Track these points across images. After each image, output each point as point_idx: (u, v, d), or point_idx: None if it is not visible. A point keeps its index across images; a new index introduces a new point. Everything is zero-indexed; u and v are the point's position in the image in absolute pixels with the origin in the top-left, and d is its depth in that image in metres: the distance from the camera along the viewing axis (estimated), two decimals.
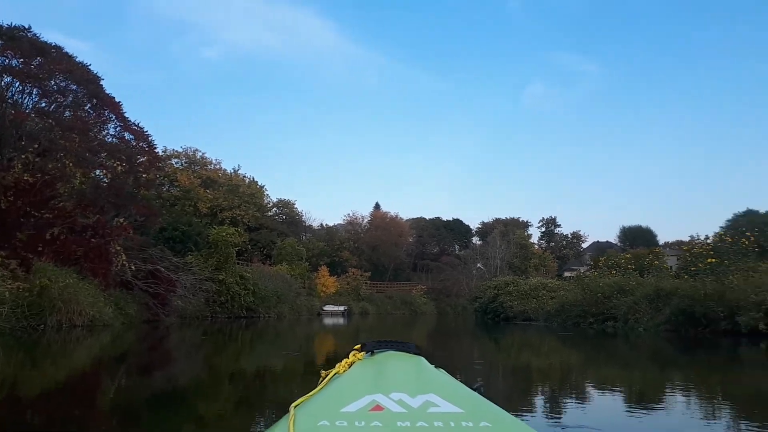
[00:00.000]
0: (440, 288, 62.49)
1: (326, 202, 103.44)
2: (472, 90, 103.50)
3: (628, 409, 5.41)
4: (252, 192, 47.43)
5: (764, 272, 15.35)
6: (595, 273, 24.43)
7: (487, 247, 49.99)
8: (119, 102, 18.65)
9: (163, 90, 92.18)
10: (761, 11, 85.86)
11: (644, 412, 5.18)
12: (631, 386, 7.28)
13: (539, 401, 5.81)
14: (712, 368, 10.08)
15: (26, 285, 14.12)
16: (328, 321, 35.07)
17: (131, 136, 18.78)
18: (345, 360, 1.72)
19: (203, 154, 46.50)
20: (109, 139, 18.38)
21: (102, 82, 19.37)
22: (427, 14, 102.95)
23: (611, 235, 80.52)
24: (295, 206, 58.31)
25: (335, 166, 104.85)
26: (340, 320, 36.93)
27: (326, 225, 65.19)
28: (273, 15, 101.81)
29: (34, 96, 16.29)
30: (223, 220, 41.97)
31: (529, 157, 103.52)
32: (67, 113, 16.93)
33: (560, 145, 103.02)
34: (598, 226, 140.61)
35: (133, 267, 18.58)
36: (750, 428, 4.49)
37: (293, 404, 1.28)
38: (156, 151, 20.29)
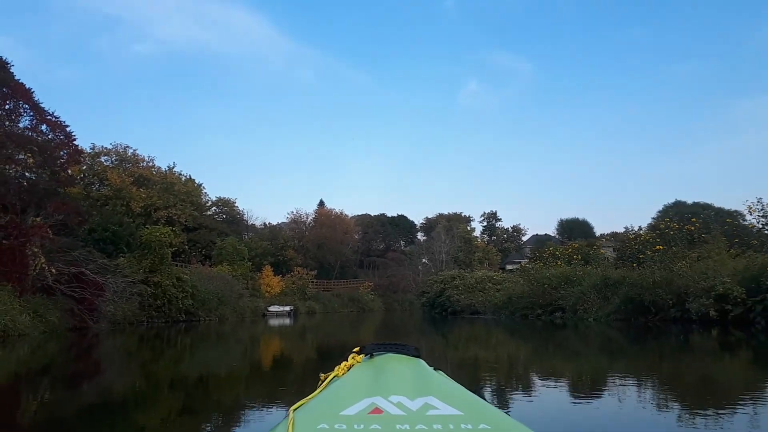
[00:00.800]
0: (387, 284, 62.00)
1: (269, 200, 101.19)
2: (410, 88, 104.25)
3: (578, 402, 5.10)
4: (188, 190, 45.34)
5: (711, 258, 15.39)
6: (541, 264, 24.34)
7: (432, 242, 49.74)
8: (31, 90, 16.89)
9: (91, 87, 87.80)
10: (682, 12, 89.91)
11: (594, 403, 4.93)
12: (581, 377, 7.05)
13: (487, 396, 5.41)
14: (664, 356, 9.80)
15: None
16: (274, 322, 33.87)
17: (46, 128, 16.98)
18: (344, 363, 1.68)
19: (135, 150, 44.10)
20: (24, 133, 16.53)
21: (12, 69, 17.53)
22: (363, 11, 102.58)
23: (550, 228, 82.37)
24: (236, 205, 56.46)
25: (276, 164, 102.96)
26: (286, 321, 35.81)
27: (269, 224, 63.53)
28: (205, 10, 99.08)
29: None
30: (158, 219, 39.85)
31: (468, 154, 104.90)
32: None
33: (497, 142, 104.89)
34: (538, 220, 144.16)
35: (53, 270, 16.88)
36: (704, 416, 4.21)
37: (292, 407, 1.27)
38: (76, 143, 18.51)
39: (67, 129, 18.18)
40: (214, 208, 55.04)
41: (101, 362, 12.26)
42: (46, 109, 18.09)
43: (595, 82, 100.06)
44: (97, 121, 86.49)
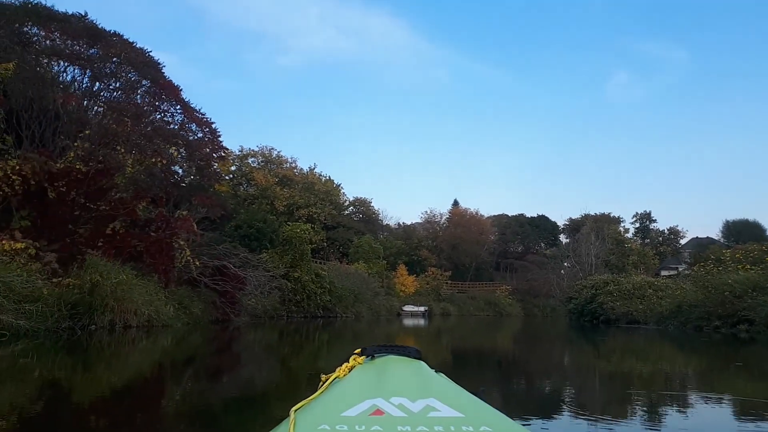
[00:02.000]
0: (526, 288, 58.64)
1: (403, 200, 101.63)
2: (552, 83, 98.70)
3: None
4: (328, 190, 46.07)
5: None
6: (719, 268, 20.56)
7: (579, 243, 45.79)
8: (180, 88, 17.28)
9: (240, 98, 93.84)
10: None
11: None
12: None
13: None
14: None
15: (76, 281, 12.70)
16: (408, 322, 32.97)
17: (195, 127, 17.28)
18: (345, 364, 1.66)
19: (279, 152, 45.69)
20: (171, 126, 16.94)
21: (163, 69, 18.07)
22: (501, 8, 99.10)
23: (712, 231, 73.50)
24: (372, 204, 56.59)
25: (411, 164, 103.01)
26: (421, 321, 34.78)
27: (404, 224, 63.08)
28: (346, 19, 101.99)
29: (85, 80, 15.12)
30: (300, 218, 40.71)
31: (617, 150, 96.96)
32: (117, 96, 15.59)
33: (649, 136, 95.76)
34: (698, 221, 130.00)
35: (198, 263, 17.02)
36: None
37: (293, 408, 1.25)
38: (221, 140, 18.73)
39: (213, 125, 18.47)
40: (352, 207, 55.70)
41: (241, 355, 11.79)
42: (194, 106, 18.49)
43: (758, 67, 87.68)
44: (245, 127, 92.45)
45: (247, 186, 43.15)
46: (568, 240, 65.53)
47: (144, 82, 16.21)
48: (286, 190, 42.86)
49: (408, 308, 42.53)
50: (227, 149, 19.02)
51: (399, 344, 1.81)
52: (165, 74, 17.97)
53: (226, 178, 38.50)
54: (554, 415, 4.69)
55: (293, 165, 46.08)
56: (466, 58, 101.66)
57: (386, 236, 56.35)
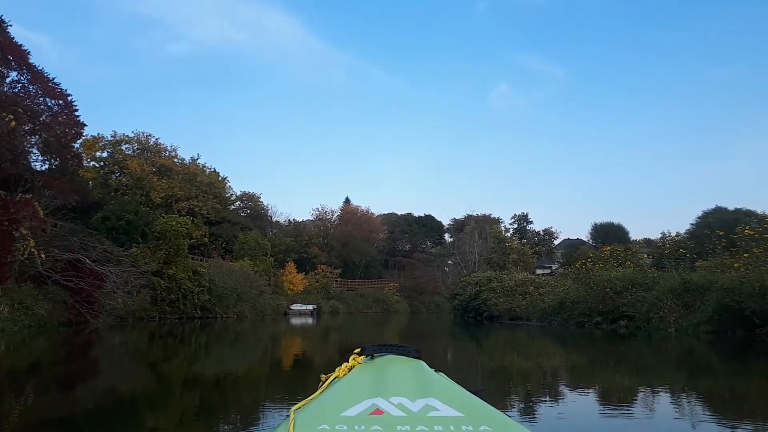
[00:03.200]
0: (413, 285, 59.04)
1: (294, 197, 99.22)
2: (440, 89, 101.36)
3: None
4: (212, 182, 42.97)
5: None
6: (599, 265, 21.10)
7: (463, 241, 46.52)
8: (26, 50, 14.39)
9: (124, 85, 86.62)
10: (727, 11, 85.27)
11: None
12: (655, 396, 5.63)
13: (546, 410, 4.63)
14: None
15: None
16: (296, 321, 31.47)
17: (37, 90, 14.44)
18: (345, 364, 1.64)
19: (157, 139, 41.81)
20: (10, 92, 14.05)
21: (9, 29, 15.07)
22: (395, 13, 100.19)
23: (583, 233, 78.60)
24: (261, 200, 53.99)
25: (303, 161, 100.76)
26: (309, 320, 33.42)
27: (294, 220, 61.00)
28: (240, 11, 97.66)
29: None
30: (179, 211, 37.47)
31: (498, 155, 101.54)
32: None
33: (528, 144, 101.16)
34: (570, 224, 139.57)
35: (43, 256, 14.35)
36: None
37: (293, 408, 1.25)
38: (77, 114, 15.96)
39: (69, 98, 15.68)
40: (239, 202, 52.73)
41: (97, 362, 9.71)
42: (47, 74, 15.62)
43: (629, 85, 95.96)
44: (126, 115, 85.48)
45: (120, 175, 39.06)
46: (452, 239, 66.98)
47: None
48: (164, 180, 39.32)
49: (296, 307, 40.78)
50: (84, 125, 16.31)
51: (397, 344, 1.77)
52: (10, 35, 15.03)
53: (93, 164, 34.50)
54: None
55: (173, 154, 42.47)
56: (360, 60, 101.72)
57: (275, 233, 54.00)
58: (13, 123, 12.44)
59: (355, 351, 1.75)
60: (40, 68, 15.52)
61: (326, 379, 1.55)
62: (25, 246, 14.08)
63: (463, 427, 1.09)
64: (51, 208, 18.91)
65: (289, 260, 46.90)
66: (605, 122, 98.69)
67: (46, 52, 76.08)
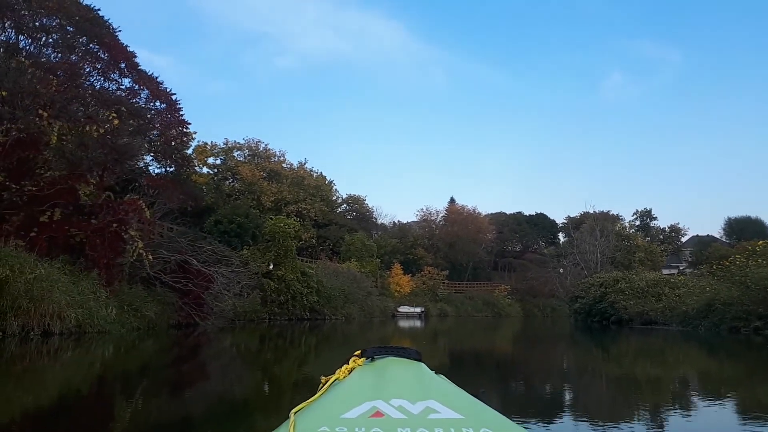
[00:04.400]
0: (526, 288, 55.81)
1: (399, 198, 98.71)
2: (547, 83, 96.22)
3: None
4: (319, 185, 43.09)
5: None
6: (759, 261, 17.69)
7: (582, 239, 42.89)
8: (132, 51, 14.33)
9: (236, 98, 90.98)
10: None
11: None
12: None
13: None
14: None
15: None
16: (404, 324, 30.29)
17: (141, 88, 14.28)
18: (345, 366, 1.64)
19: (267, 145, 42.66)
20: (116, 93, 13.96)
21: (118, 34, 15.09)
22: (495, 8, 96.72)
23: (713, 229, 71.06)
24: (366, 202, 53.61)
25: (407, 163, 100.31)
26: (417, 323, 32.15)
27: (399, 222, 60.09)
28: (342, 21, 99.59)
29: (7, 31, 12.12)
30: (288, 214, 37.75)
31: (614, 149, 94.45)
32: (47, 53, 12.61)
33: (646, 135, 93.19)
34: (699, 219, 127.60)
35: (151, 257, 14.08)
36: None
37: (293, 410, 1.23)
38: (181, 113, 15.70)
39: (173, 96, 15.46)
40: (345, 205, 52.78)
41: (208, 365, 8.99)
42: (151, 74, 15.51)
43: (755, 65, 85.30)
44: (235, 127, 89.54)
45: (232, 181, 40.17)
46: (566, 238, 62.82)
47: (82, 39, 13.16)
48: (273, 185, 39.90)
49: (403, 309, 39.66)
50: (188, 123, 16.09)
51: (397, 346, 1.76)
52: (117, 36, 15.05)
53: (204, 170, 35.57)
54: None
55: (281, 159, 43.13)
56: (462, 59, 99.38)
57: (381, 235, 53.41)
58: (117, 121, 12.22)
59: (356, 353, 1.71)
60: (148, 72, 15.47)
61: (326, 381, 1.52)
62: (134, 248, 13.83)
63: (464, 430, 1.07)
64: (163, 211, 19.06)
65: (395, 262, 45.94)
66: (731, 107, 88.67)
67: (168, 72, 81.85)
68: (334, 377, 1.56)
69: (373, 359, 1.69)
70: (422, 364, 1.68)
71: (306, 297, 25.87)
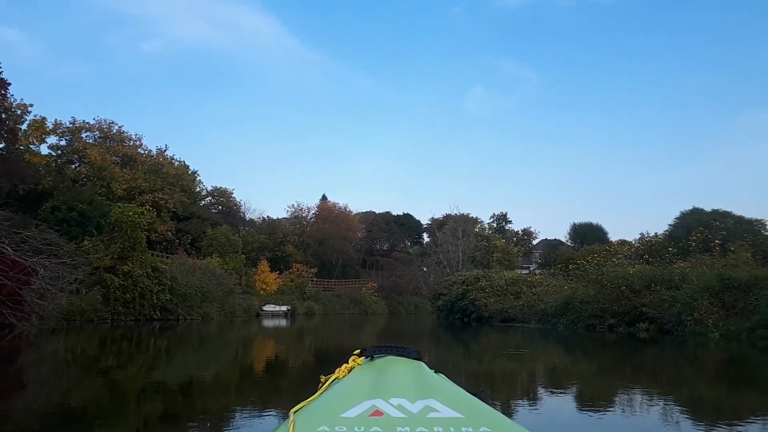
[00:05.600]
0: (392, 286, 56.26)
1: (269, 194, 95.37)
2: (417, 91, 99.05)
3: None
4: (179, 174, 39.50)
5: None
6: (614, 261, 18.61)
7: (446, 239, 43.87)
8: None
9: (95, 82, 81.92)
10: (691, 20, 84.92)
11: None
12: None
13: None
14: None
15: None
16: (268, 323, 28.61)
17: None
18: (345, 365, 1.61)
19: (120, 127, 38.20)
20: None
21: None
22: (371, 16, 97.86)
23: (561, 233, 77.30)
24: (233, 196, 50.47)
25: (279, 159, 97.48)
26: (282, 322, 30.57)
27: (269, 217, 57.56)
28: (216, 10, 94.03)
29: None
30: (143, 204, 34.03)
31: (476, 155, 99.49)
32: None
33: (505, 145, 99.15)
34: (548, 224, 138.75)
35: None
36: None
37: (293, 410, 1.22)
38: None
39: None
40: (209, 198, 49.20)
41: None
42: None
43: (604, 88, 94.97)
44: (93, 111, 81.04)
45: (79, 165, 35.42)
46: (430, 238, 64.46)
47: None
48: (127, 171, 35.82)
49: (269, 308, 37.60)
50: (8, 84, 13.07)
51: (397, 345, 1.73)
52: None
53: (41, 149, 30.80)
54: None
55: (138, 143, 38.92)
56: (337, 62, 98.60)
57: (248, 230, 50.59)
58: None
59: (355, 352, 1.69)
60: None
61: (326, 381, 1.52)
62: None
63: (463, 429, 1.07)
64: None
65: (262, 258, 43.63)
66: (581, 124, 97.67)
67: (19, 47, 71.98)
68: (333, 376, 1.53)
69: (372, 358, 1.65)
70: (422, 363, 1.64)
71: (157, 295, 23.08)
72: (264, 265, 42.24)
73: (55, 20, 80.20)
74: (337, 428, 1.07)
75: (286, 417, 1.18)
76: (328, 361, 9.81)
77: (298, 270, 47.29)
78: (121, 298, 21.92)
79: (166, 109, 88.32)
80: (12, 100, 25.35)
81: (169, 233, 35.76)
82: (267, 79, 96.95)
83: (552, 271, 33.83)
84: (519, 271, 52.35)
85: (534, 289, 25.42)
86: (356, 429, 1.06)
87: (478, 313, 27.16)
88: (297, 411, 1.21)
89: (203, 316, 26.06)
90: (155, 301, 23.03)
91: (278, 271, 45.16)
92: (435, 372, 1.65)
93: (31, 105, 26.86)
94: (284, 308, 38.58)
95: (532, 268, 61.60)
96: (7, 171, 15.59)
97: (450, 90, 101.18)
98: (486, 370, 8.52)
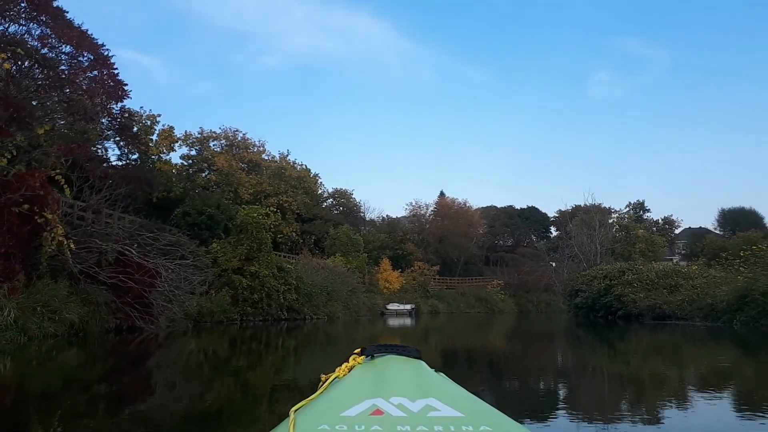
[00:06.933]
0: (519, 283, 53.11)
1: (388, 194, 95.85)
2: (535, 82, 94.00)
3: None
4: (302, 176, 39.96)
5: None
6: None
7: (580, 231, 40.15)
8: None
9: (221, 96, 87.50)
10: None
11: None
12: None
13: None
14: None
15: None
16: (393, 322, 27.61)
17: (46, 32, 11.06)
18: (345, 364, 1.61)
19: (245, 134, 39.44)
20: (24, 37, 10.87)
21: None
22: (482, 7, 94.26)
23: (706, 221, 69.00)
24: (353, 196, 50.45)
25: (396, 158, 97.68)
26: (407, 321, 29.46)
27: (388, 217, 57.05)
28: (330, 19, 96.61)
29: None
30: (269, 207, 34.68)
31: (603, 144, 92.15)
32: None
33: (636, 131, 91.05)
34: (691, 211, 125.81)
35: (73, 246, 11.09)
36: None
37: (293, 408, 1.22)
38: (116, 73, 12.62)
39: (106, 54, 12.35)
40: (331, 200, 49.65)
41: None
42: (79, 26, 12.43)
43: (745, 61, 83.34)
44: (220, 122, 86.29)
45: (208, 173, 37.02)
46: (558, 232, 60.25)
47: None
48: (252, 176, 36.79)
49: (393, 306, 36.78)
50: (125, 84, 13.08)
51: (397, 344, 1.71)
52: None
53: (170, 158, 32.23)
54: None
55: (261, 149, 39.96)
56: (450, 58, 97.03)
57: (369, 230, 50.38)
58: (7, 65, 9.24)
59: (356, 351, 1.69)
60: (75, 23, 12.38)
61: (326, 380, 1.50)
62: (52, 234, 10.81)
63: (464, 428, 1.06)
64: (114, 198, 16.07)
65: (383, 257, 42.96)
66: (720, 101, 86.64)
67: (157, 72, 78.91)
68: (333, 375, 1.52)
69: (372, 357, 1.65)
70: (422, 362, 1.63)
71: (283, 295, 22.88)
72: (386, 263, 41.56)
73: (185, 44, 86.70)
74: (337, 427, 1.05)
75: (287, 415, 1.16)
76: (455, 361, 9.15)
77: (419, 268, 46.14)
78: (249, 298, 21.91)
79: (288, 117, 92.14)
80: (142, 111, 26.68)
81: (294, 234, 36.15)
82: (381, 81, 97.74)
83: (699, 261, 29.47)
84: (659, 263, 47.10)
85: (692, 282, 21.79)
86: (357, 428, 1.05)
87: (625, 310, 23.94)
88: (297, 410, 1.19)
89: (329, 315, 25.58)
90: (282, 300, 22.83)
91: (400, 270, 44.34)
92: (435, 371, 1.62)
93: (159, 115, 28.10)
94: (408, 307, 37.56)
95: (675, 260, 55.37)
96: (140, 180, 15.71)
97: (572, 76, 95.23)
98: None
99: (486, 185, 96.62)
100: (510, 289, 53.04)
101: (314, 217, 41.23)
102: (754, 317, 14.76)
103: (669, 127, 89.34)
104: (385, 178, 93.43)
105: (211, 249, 22.88)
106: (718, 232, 64.82)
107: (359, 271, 34.23)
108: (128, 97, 13.63)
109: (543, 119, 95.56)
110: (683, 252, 62.23)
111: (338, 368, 1.56)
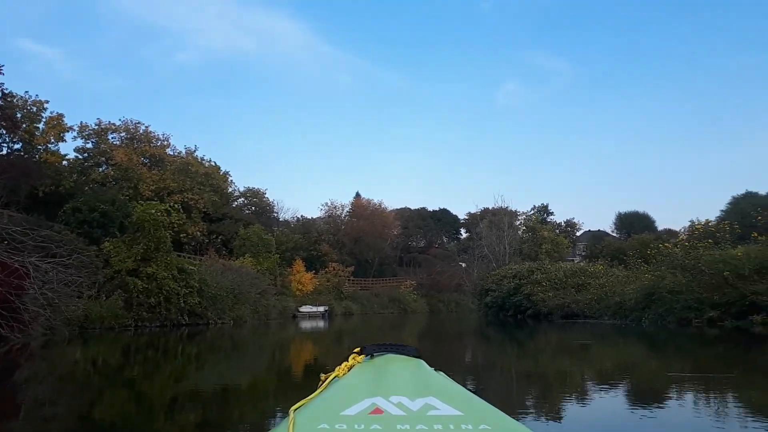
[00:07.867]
0: (431, 283, 53.47)
1: (303, 194, 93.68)
2: (448, 88, 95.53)
3: None
4: (209, 173, 37.60)
5: None
6: (707, 242, 15.48)
7: (489, 232, 40.82)
8: None
9: (134, 93, 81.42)
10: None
11: None
12: None
13: None
14: None
15: None
16: (306, 324, 26.54)
17: None
18: (344, 363, 1.58)
19: (147, 127, 36.51)
20: None
21: None
22: (399, 15, 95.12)
23: (606, 224, 73.19)
24: (266, 196, 48.46)
25: (311, 159, 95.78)
26: (320, 323, 28.46)
27: (303, 217, 55.48)
28: (246, 18, 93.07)
29: None
30: (172, 205, 32.17)
31: (511, 149, 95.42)
32: None
33: (541, 137, 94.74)
34: (591, 215, 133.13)
35: None
36: None
37: (293, 408, 1.20)
38: None
39: None
40: (242, 199, 47.37)
41: None
42: None
43: (642, 74, 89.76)
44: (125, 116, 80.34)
45: (106, 167, 33.85)
46: (469, 233, 61.45)
47: None
48: (155, 172, 34.07)
49: (305, 309, 35.45)
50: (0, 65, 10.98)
51: (396, 343, 1.71)
52: None
53: (59, 148, 29.02)
54: None
55: (165, 143, 37.20)
56: (367, 62, 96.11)
57: (283, 231, 48.55)
58: None
59: (355, 350, 1.66)
60: None
61: (326, 379, 1.48)
62: None
63: (463, 426, 1.06)
64: None
65: (297, 258, 41.46)
66: (619, 112, 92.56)
67: (59, 64, 72.30)
68: (333, 374, 1.50)
69: (372, 356, 1.63)
70: (421, 361, 1.61)
71: (184, 298, 20.95)
72: (299, 264, 40.09)
73: (91, 37, 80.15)
74: (337, 426, 1.05)
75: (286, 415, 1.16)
76: None
77: (334, 269, 45.07)
78: (145, 302, 19.85)
79: (198, 113, 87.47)
80: (27, 96, 23.71)
81: (200, 234, 33.87)
82: (298, 82, 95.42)
83: (600, 262, 30.86)
84: (562, 263, 49.15)
85: (598, 281, 22.38)
86: (356, 427, 1.04)
87: (534, 308, 24.23)
88: (297, 409, 1.19)
89: (235, 319, 23.88)
90: (182, 304, 20.91)
91: (314, 271, 43.03)
92: (435, 370, 1.60)
93: (47, 101, 25.13)
94: (321, 309, 36.42)
95: (577, 260, 58.11)
96: (21, 170, 13.50)
97: (482, 85, 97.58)
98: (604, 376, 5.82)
99: (400, 187, 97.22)
100: (422, 290, 53.26)
101: (223, 217, 38.96)
102: (662, 314, 15.09)
103: (571, 135, 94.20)
104: (301, 179, 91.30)
105: (103, 248, 20.58)
106: (615, 234, 68.74)
107: (270, 272, 32.59)
108: (1, 73, 11.57)
109: (455, 125, 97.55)
110: (584, 253, 65.54)
111: (338, 367, 1.53)
